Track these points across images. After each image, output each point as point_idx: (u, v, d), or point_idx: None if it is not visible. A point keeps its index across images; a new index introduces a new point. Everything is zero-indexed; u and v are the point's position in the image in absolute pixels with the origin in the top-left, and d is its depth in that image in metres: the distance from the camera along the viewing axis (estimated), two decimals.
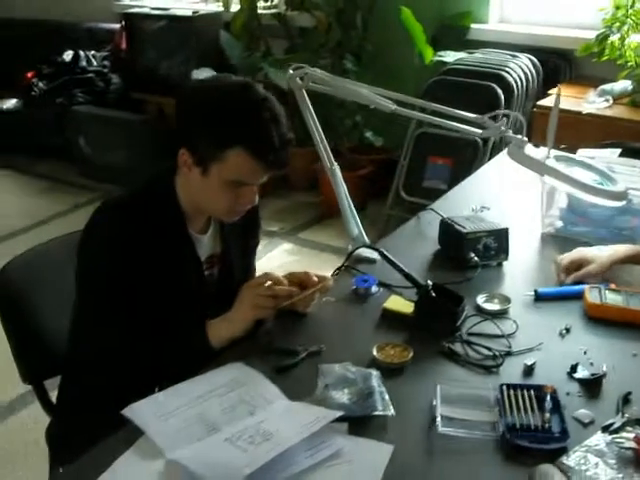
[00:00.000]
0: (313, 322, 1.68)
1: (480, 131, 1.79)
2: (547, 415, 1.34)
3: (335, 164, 1.93)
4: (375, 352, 1.51)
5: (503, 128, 1.75)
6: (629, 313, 1.66)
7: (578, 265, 1.80)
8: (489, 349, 1.55)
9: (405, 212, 3.97)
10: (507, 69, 3.72)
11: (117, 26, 5.17)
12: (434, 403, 1.37)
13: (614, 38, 3.44)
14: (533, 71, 3.83)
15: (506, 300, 1.73)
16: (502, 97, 3.60)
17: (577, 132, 3.03)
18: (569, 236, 2.08)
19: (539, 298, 1.76)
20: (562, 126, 1.75)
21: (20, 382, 1.79)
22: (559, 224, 2.12)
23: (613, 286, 1.74)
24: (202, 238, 1.69)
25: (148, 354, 1.57)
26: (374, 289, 1.78)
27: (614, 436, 1.29)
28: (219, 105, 1.49)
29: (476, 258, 1.85)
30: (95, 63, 5.13)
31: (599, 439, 1.28)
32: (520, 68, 3.77)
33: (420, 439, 1.32)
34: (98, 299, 1.57)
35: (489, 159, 3.69)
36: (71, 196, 4.73)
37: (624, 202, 1.72)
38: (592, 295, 1.71)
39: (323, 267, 1.82)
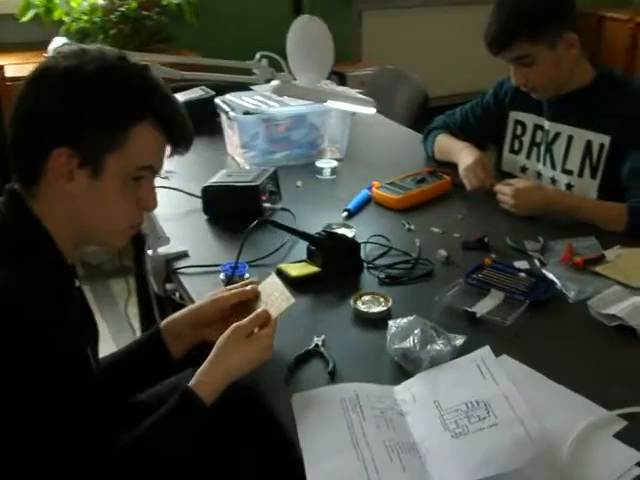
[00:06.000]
0: None
1: (254, 76, 1.71)
2: (520, 275, 1.57)
3: None
4: (369, 309, 1.44)
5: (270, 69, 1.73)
6: (424, 193, 1.95)
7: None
8: (407, 262, 1.64)
9: None
10: None
11: None
12: (470, 309, 1.44)
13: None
14: None
15: (346, 226, 1.78)
16: None
17: None
18: (271, 164, 2.15)
19: (351, 214, 1.87)
20: None
21: None
22: (256, 157, 2.16)
23: (378, 184, 1.98)
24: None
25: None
26: (247, 274, 1.59)
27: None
28: (109, 76, 1.10)
29: (273, 204, 1.84)
30: None
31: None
32: None
33: (498, 335, 1.38)
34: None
35: None
36: None
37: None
38: (389, 192, 1.92)
39: None
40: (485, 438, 1.08)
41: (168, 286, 1.65)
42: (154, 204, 1.21)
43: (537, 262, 1.64)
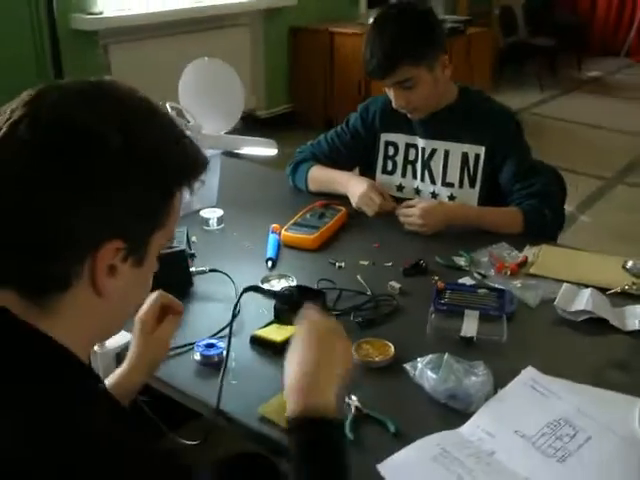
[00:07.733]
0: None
1: None
2: (480, 291, 1.63)
3: None
4: (378, 358, 1.41)
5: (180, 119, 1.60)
6: (332, 228, 1.94)
7: None
8: (369, 301, 1.61)
9: None
10: None
11: None
12: (465, 334, 1.47)
13: None
14: None
15: (282, 276, 1.71)
16: None
17: None
18: None
19: (275, 262, 1.79)
20: None
21: None
22: None
23: (278, 226, 1.92)
24: None
25: None
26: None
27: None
28: (163, 138, 0.87)
29: (202, 268, 1.70)
30: None
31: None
32: None
33: (497, 354, 1.43)
34: None
35: None
36: None
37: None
38: (301, 232, 1.87)
39: None
40: (589, 453, 1.12)
41: None
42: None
43: (478, 276, 1.72)
